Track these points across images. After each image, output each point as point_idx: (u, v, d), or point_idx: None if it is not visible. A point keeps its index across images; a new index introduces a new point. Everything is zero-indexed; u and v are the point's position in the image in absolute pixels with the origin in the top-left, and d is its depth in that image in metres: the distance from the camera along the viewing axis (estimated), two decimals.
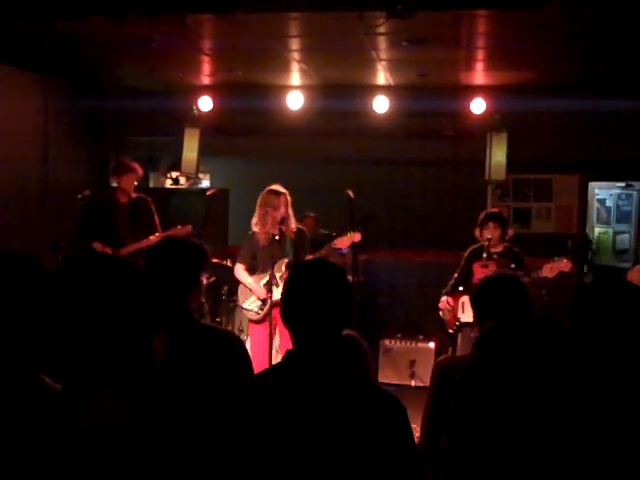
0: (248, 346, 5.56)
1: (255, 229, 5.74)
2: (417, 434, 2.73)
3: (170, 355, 2.04)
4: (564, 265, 5.52)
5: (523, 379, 1.67)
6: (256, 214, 5.73)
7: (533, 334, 1.74)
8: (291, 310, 2.09)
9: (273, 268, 5.54)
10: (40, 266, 1.79)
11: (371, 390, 2.05)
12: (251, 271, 5.79)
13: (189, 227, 6.40)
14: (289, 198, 5.73)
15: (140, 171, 6.68)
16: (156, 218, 6.58)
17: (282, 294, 2.12)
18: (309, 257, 5.39)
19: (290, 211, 5.73)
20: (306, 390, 1.97)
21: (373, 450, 1.90)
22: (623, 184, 10.31)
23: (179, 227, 6.39)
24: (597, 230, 10.69)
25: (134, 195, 6.64)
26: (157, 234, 6.34)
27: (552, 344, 1.72)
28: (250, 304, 5.74)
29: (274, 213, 5.63)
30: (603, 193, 10.61)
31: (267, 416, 1.95)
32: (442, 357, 3.39)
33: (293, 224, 5.76)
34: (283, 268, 5.61)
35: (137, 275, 1.74)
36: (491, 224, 5.84)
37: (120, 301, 1.65)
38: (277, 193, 5.68)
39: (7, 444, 1.53)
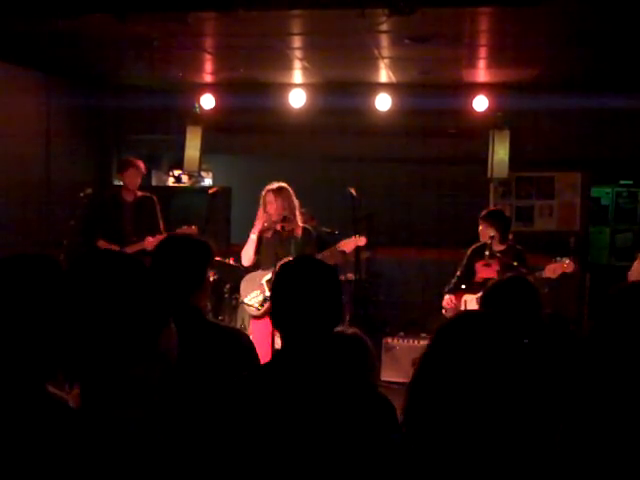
0: None
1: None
2: None
3: (180, 352, 2.02)
4: (567, 266, 5.47)
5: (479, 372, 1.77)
6: None
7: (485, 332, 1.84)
8: (278, 310, 2.03)
9: (276, 267, 5.49)
10: (60, 268, 1.62)
11: (361, 390, 2.00)
12: (256, 266, 5.73)
13: (194, 227, 6.24)
14: (287, 194, 5.56)
15: (143, 167, 6.63)
16: (160, 219, 6.53)
17: (270, 293, 2.06)
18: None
19: (294, 207, 5.64)
20: (293, 392, 1.93)
21: (360, 450, 1.87)
22: (628, 182, 10.23)
23: (184, 227, 6.23)
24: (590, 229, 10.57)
25: (140, 194, 6.61)
26: (158, 235, 6.22)
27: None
28: (251, 299, 5.69)
29: (264, 210, 5.57)
30: (597, 191, 10.45)
31: (253, 418, 1.91)
32: None
33: (298, 222, 5.69)
34: None
35: (144, 271, 1.64)
36: (484, 224, 5.85)
37: (128, 298, 1.55)
38: (266, 190, 5.58)
39: (9, 455, 1.46)
